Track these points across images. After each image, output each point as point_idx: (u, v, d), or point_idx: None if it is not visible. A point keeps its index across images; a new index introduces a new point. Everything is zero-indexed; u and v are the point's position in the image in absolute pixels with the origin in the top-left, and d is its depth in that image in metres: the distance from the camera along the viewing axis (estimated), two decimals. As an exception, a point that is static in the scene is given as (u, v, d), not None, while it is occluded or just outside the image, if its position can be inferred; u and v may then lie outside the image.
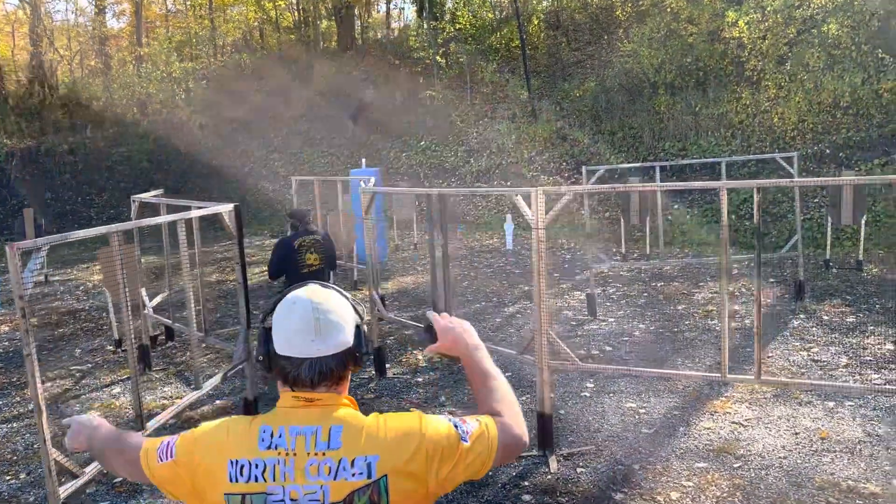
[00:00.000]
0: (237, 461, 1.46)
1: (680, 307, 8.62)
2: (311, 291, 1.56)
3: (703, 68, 16.50)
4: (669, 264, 10.74)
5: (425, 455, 1.47)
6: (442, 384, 6.46)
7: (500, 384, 1.75)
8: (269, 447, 1.46)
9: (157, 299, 7.79)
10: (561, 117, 18.38)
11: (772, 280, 9.62)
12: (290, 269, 6.02)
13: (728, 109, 15.18)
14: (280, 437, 1.46)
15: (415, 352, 7.46)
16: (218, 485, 1.46)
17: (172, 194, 21.38)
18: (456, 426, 1.56)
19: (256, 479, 1.44)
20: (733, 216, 13.47)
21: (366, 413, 1.54)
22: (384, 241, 13.07)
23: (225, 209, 5.24)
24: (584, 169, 8.25)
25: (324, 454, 1.44)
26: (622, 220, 12.03)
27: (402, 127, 21.12)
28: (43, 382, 7.26)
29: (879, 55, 13.54)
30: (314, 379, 1.50)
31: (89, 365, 7.70)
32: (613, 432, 5.20)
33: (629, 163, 15.45)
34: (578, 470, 4.64)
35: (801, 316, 7.90)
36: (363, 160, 13.22)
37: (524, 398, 5.82)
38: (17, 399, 6.82)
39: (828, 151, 13.15)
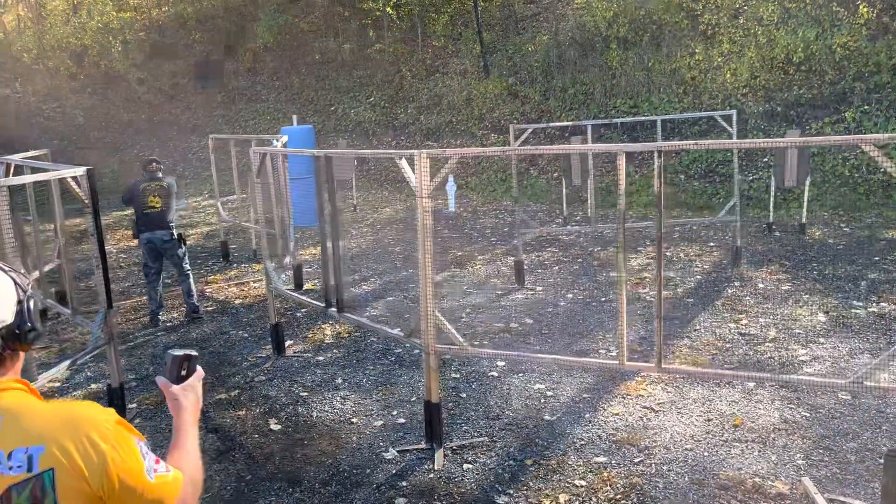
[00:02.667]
0: None
1: (613, 274, 8.18)
2: None
3: (658, 22, 15.89)
4: (609, 228, 10.29)
5: (103, 457, 1.30)
6: (343, 364, 5.96)
7: (190, 458, 1.55)
8: None
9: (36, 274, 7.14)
10: (513, 73, 17.71)
11: (711, 244, 9.22)
12: (137, 206, 7.07)
13: (681, 65, 14.65)
14: None
15: (323, 326, 6.94)
16: None
17: (112, 151, 20.40)
18: (144, 454, 1.37)
19: None
20: (682, 176, 13.05)
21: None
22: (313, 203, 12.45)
23: (74, 173, 4.61)
24: (511, 128, 7.68)
25: None
26: (563, 182, 11.55)
27: (350, 82, 20.29)
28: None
29: (834, 8, 13.06)
30: None
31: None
32: (514, 419, 4.75)
33: (580, 120, 14.93)
34: (465, 466, 4.18)
35: (736, 283, 7.51)
36: (294, 117, 12.49)
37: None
38: None
39: (779, 109, 12.71)
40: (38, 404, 1.37)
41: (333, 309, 5.29)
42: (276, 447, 4.60)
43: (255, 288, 8.43)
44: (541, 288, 7.85)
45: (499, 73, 17.82)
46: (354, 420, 4.89)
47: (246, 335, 6.85)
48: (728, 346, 5.83)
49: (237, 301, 7.97)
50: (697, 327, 6.30)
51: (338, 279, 5.21)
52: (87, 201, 4.70)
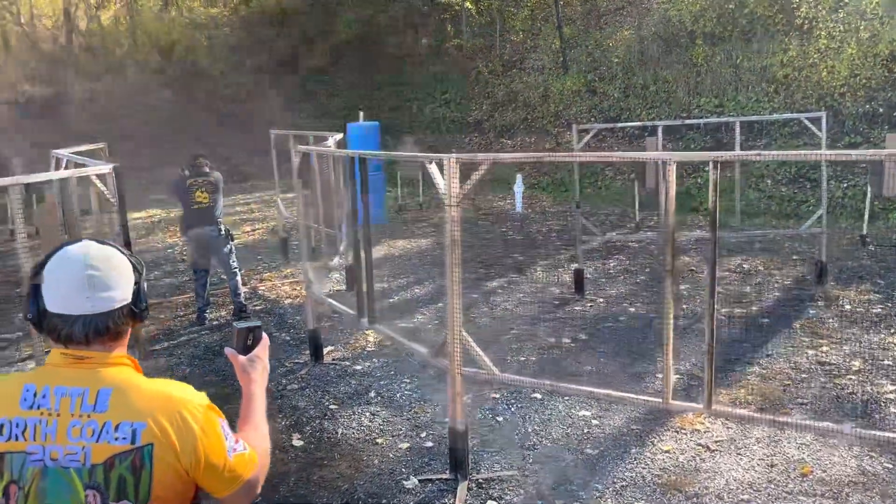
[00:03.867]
0: None
1: (683, 287, 7.58)
2: (85, 247, 1.52)
3: (749, 16, 14.92)
4: (684, 235, 9.62)
5: (197, 439, 1.45)
6: (379, 375, 5.65)
7: (259, 430, 1.71)
8: (31, 406, 1.44)
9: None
10: (592, 69, 17.04)
11: (795, 257, 8.46)
12: (185, 202, 6.96)
13: (773, 62, 13.67)
14: (44, 396, 1.44)
15: (367, 332, 6.66)
16: None
17: (194, 144, 20.91)
18: (226, 435, 1.53)
19: (17, 439, 1.42)
20: (769, 181, 12.17)
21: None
22: (382, 200, 12.25)
23: (100, 170, 4.46)
24: (573, 128, 7.19)
25: (89, 416, 1.42)
26: (636, 185, 10.93)
27: (426, 78, 20.07)
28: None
29: (949, 0, 11.87)
30: (89, 336, 1.48)
31: (19, 334, 7.14)
32: (551, 451, 4.33)
33: (661, 120, 14.19)
34: (488, 503, 3.80)
35: (819, 303, 6.80)
36: (361, 113, 12.30)
37: (465, 396, 4.98)
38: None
39: (881, 110, 11.66)
40: (143, 381, 1.51)
41: (364, 319, 4.99)
42: (294, 466, 4.33)
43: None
44: (602, 300, 7.34)
45: (577, 69, 17.21)
46: (380, 440, 4.58)
47: (288, 338, 6.65)
48: (803, 376, 5.21)
49: (287, 301, 7.80)
50: (770, 352, 5.68)
51: (369, 287, 4.90)
52: (112, 200, 4.55)
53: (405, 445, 4.50)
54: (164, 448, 1.43)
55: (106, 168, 4.49)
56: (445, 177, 3.75)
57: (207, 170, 7.09)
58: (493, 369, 3.84)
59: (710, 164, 3.07)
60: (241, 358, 1.75)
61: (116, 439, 1.41)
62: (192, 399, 1.51)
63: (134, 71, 22.21)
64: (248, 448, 1.57)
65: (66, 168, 6.21)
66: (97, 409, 1.43)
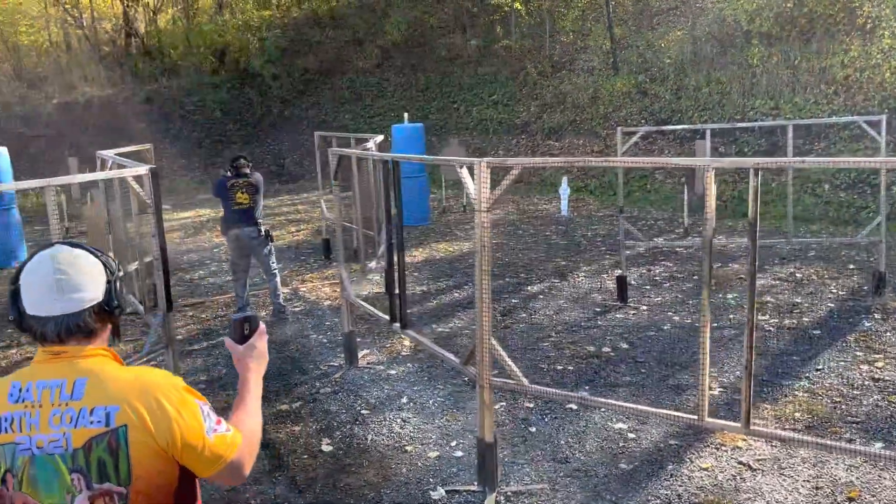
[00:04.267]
0: None
1: (730, 295, 7.33)
2: (55, 252, 1.62)
3: (808, 15, 14.42)
4: (734, 242, 9.32)
5: (171, 419, 1.52)
6: (413, 380, 5.58)
7: (250, 415, 1.75)
8: (17, 401, 1.55)
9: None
10: (643, 70, 16.71)
11: (851, 266, 8.10)
12: (225, 203, 7.00)
13: (832, 63, 13.17)
14: (28, 391, 1.55)
15: (403, 336, 6.60)
16: None
17: (244, 145, 21.23)
18: (205, 416, 1.59)
19: (7, 431, 1.53)
20: (826, 186, 11.72)
21: None
22: (426, 202, 12.21)
23: (136, 172, 4.50)
24: (618, 131, 7.00)
25: (67, 404, 1.52)
26: (686, 190, 10.65)
27: (474, 79, 19.97)
28: (13, 347, 6.96)
29: None
30: (61, 335, 1.57)
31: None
32: (584, 464, 4.19)
33: (713, 122, 13.81)
34: (515, 518, 3.69)
35: (876, 316, 6.47)
36: (405, 115, 12.28)
37: (499, 405, 4.88)
38: (-23, 366, 6.47)
39: (948, 113, 11.10)
40: (118, 369, 1.61)
41: (397, 324, 4.93)
42: (322, 472, 4.29)
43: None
44: (645, 307, 7.14)
45: (628, 70, 16.89)
46: (409, 448, 4.50)
47: (325, 340, 6.64)
48: (856, 393, 4.95)
49: (326, 302, 7.80)
50: (821, 366, 5.42)
51: (402, 292, 4.83)
52: (148, 201, 4.58)
53: (434, 454, 4.42)
54: (138, 429, 1.51)
55: (143, 170, 4.52)
56: (476, 181, 3.65)
57: (248, 171, 7.13)
58: (522, 379, 3.72)
59: (751, 172, 2.90)
60: (238, 347, 1.84)
61: (91, 423, 1.51)
62: (166, 382, 1.59)
63: (188, 72, 22.67)
64: (232, 430, 1.64)
65: (110, 169, 6.31)
66: (74, 397, 1.53)
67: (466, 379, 5.50)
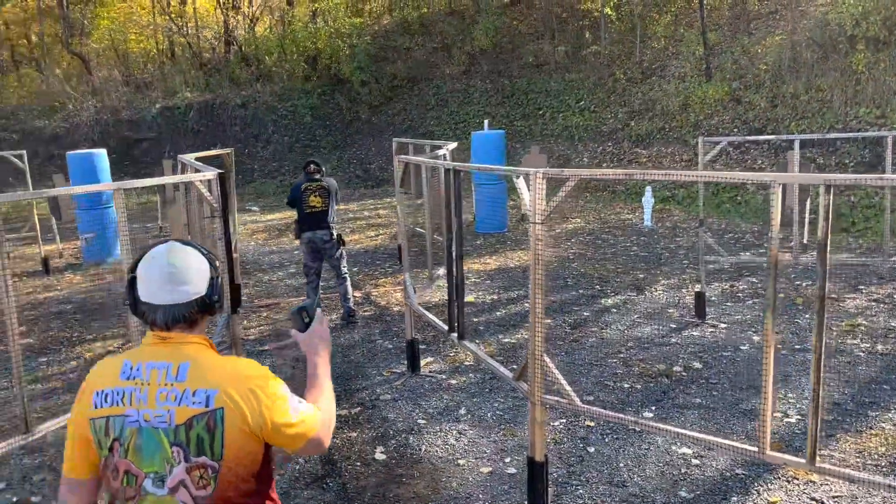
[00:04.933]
0: (102, 391, 1.76)
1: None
2: (170, 247, 1.83)
3: (921, 17, 13.49)
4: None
5: (262, 405, 1.72)
6: (473, 391, 5.49)
7: (323, 394, 1.96)
8: (128, 378, 1.75)
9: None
10: (737, 77, 16.06)
11: (958, 290, 7.48)
12: (299, 207, 7.14)
13: (947, 68, 12.29)
14: (138, 370, 1.75)
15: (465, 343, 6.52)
16: (85, 411, 1.77)
17: (332, 150, 21.72)
18: (289, 399, 1.79)
19: (118, 404, 1.74)
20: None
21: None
22: (503, 209, 12.10)
23: (204, 177, 4.60)
24: (699, 141, 6.70)
25: (172, 385, 1.72)
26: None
27: (561, 85, 19.72)
28: (98, 340, 7.29)
29: None
30: (168, 323, 1.78)
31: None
32: (642, 490, 3.99)
33: (811, 132, 13.11)
34: (563, 542, 3.55)
35: (983, 345, 5.94)
36: (486, 122, 12.20)
37: (558, 422, 4.73)
38: (63, 357, 6.80)
39: None
40: (215, 357, 1.81)
41: (454, 334, 4.85)
42: (373, 481, 4.26)
43: (419, 296, 8.24)
44: (724, 325, 6.80)
45: (721, 77, 16.27)
46: (462, 462, 4.42)
47: (390, 346, 6.64)
48: (951, 429, 4.53)
49: (396, 308, 7.82)
50: (914, 398, 5.00)
51: (460, 301, 4.75)
52: (216, 205, 4.68)
53: (487, 470, 4.32)
54: (233, 413, 1.71)
55: (210, 174, 4.62)
56: (531, 192, 3.53)
57: (319, 175, 7.25)
58: (574, 398, 3.58)
59: (821, 188, 2.68)
60: (301, 335, 2.04)
61: (194, 403, 1.71)
62: (256, 372, 1.79)
63: (281, 78, 23.36)
64: (312, 409, 1.86)
65: (183, 173, 6.51)
66: (178, 379, 1.74)
67: (528, 393, 5.37)
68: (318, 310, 2.06)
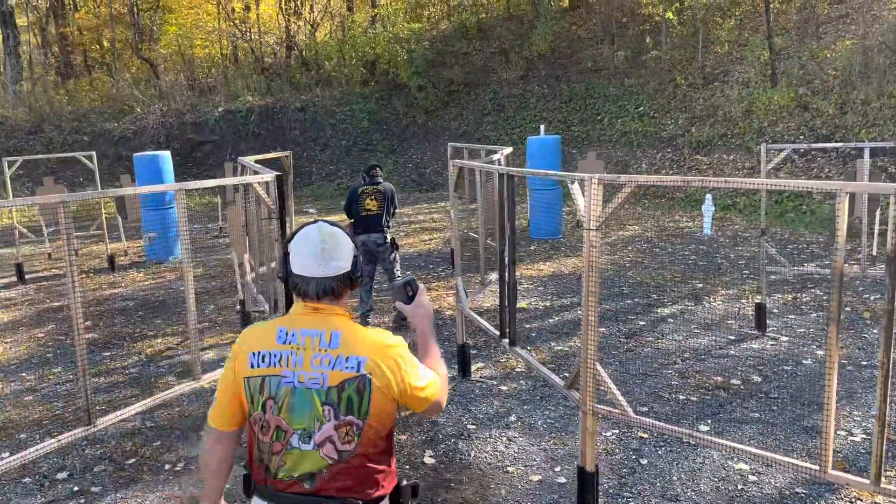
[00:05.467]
0: (259, 352, 1.95)
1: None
2: (320, 227, 2.02)
3: None
4: None
5: (402, 373, 1.95)
6: (524, 398, 5.45)
7: (437, 359, 2.19)
8: (284, 342, 1.94)
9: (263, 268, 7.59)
10: (805, 83, 15.58)
11: None
12: (355, 209, 7.19)
13: None
14: (293, 335, 1.94)
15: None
16: (242, 368, 1.97)
17: (388, 154, 21.89)
18: (419, 367, 2.02)
19: (274, 365, 1.93)
20: None
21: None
22: (558, 215, 11.99)
23: (262, 179, 4.69)
24: (762, 148, 6.51)
25: (326, 351, 1.91)
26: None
27: (620, 91, 19.46)
28: (158, 337, 7.48)
29: None
30: (318, 294, 1.97)
31: (206, 324, 7.76)
32: (695, 505, 3.89)
33: (883, 140, 12.63)
34: (612, 555, 3.47)
35: None
36: (542, 127, 12.12)
37: (610, 432, 4.65)
38: (125, 352, 7.01)
39: None
40: (359, 328, 2.01)
41: (506, 340, 4.82)
42: (421, 485, 4.24)
43: (471, 301, 8.23)
44: (786, 338, 6.59)
45: (787, 83, 15.81)
46: (511, 469, 4.38)
47: (442, 350, 6.61)
48: None
49: (448, 312, 7.82)
50: None
51: (511, 307, 4.72)
52: (273, 207, 4.76)
53: (536, 478, 4.27)
54: (379, 378, 1.92)
55: (268, 176, 4.71)
56: (586, 197, 3.48)
57: (380, 180, 7.31)
58: (626, 408, 3.51)
59: (892, 198, 2.57)
60: (408, 307, 2.23)
61: (346, 368, 1.90)
62: (395, 342, 2.01)
63: (340, 83, 23.68)
64: (433, 375, 2.09)
65: (243, 175, 6.64)
66: (331, 346, 1.93)
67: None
68: (420, 284, 2.25)
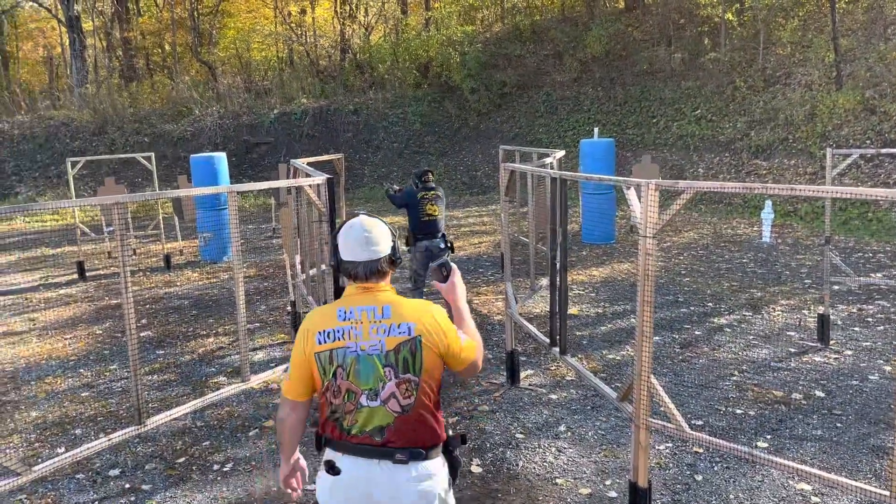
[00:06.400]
0: (324, 331, 2.30)
1: (961, 348, 6.27)
2: (361, 219, 2.40)
3: None
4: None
5: (443, 333, 2.31)
6: (574, 408, 5.32)
7: (472, 327, 2.50)
8: (344, 319, 2.30)
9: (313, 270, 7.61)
10: (872, 85, 15.01)
11: None
12: (414, 214, 7.17)
13: None
14: (351, 313, 2.30)
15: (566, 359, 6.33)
16: (311, 347, 2.31)
17: (439, 156, 21.90)
18: (458, 331, 2.39)
19: (339, 339, 2.28)
20: None
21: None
22: (611, 219, 11.78)
23: (312, 181, 4.68)
24: (828, 153, 6.25)
25: (380, 321, 2.28)
26: (913, 220, 9.35)
27: (676, 94, 19.07)
28: (210, 336, 7.57)
29: None
30: (367, 275, 2.35)
31: (257, 324, 7.82)
32: (753, 526, 3.72)
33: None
34: (665, 576, 3.34)
35: None
36: (595, 130, 11.92)
37: (663, 445, 4.51)
38: (178, 350, 7.11)
39: None
40: (404, 299, 2.37)
41: (556, 349, 4.71)
42: (468, 493, 4.18)
43: (520, 306, 8.11)
44: (850, 351, 6.31)
45: (853, 85, 15.25)
46: (560, 481, 4.27)
47: (490, 356, 6.55)
48: None
49: (497, 317, 7.73)
50: None
51: (562, 315, 4.61)
52: (324, 209, 4.75)
53: (586, 491, 4.15)
54: (428, 339, 2.28)
55: (319, 179, 4.70)
56: (643, 203, 3.36)
57: (433, 185, 7.30)
58: (682, 424, 3.37)
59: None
60: (444, 285, 2.57)
61: (400, 333, 2.27)
62: (437, 310, 2.36)
63: (393, 86, 23.79)
64: (467, 338, 2.42)
65: (295, 177, 6.66)
66: (384, 317, 2.29)
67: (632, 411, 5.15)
68: (453, 265, 2.60)
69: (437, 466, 2.33)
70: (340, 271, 2.41)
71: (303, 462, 2.58)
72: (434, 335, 2.28)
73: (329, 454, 2.34)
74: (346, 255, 2.36)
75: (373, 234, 2.35)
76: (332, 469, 2.31)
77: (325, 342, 2.29)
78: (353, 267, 2.35)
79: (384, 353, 2.26)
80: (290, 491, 2.57)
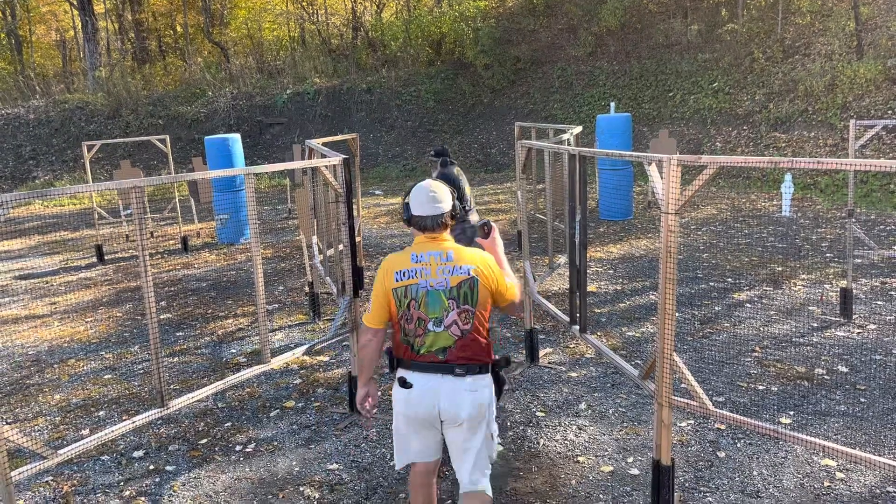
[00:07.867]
0: (401, 270, 2.88)
1: None
2: (428, 182, 3.01)
3: None
4: None
5: (492, 272, 2.92)
6: (594, 386, 5.30)
7: (511, 273, 3.10)
8: (416, 261, 2.89)
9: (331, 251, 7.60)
10: (893, 54, 14.71)
11: None
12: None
13: None
14: (422, 256, 2.89)
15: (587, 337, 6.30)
16: (390, 283, 2.89)
17: (454, 134, 21.76)
18: (504, 274, 3.00)
19: (412, 277, 2.87)
20: None
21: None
22: (628, 195, 11.67)
23: (329, 162, 4.65)
24: (851, 125, 6.12)
25: (445, 263, 2.87)
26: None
27: (693, 66, 18.79)
28: (230, 318, 7.60)
29: None
30: (434, 226, 2.95)
31: (276, 305, 7.84)
32: (777, 503, 3.69)
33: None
34: (689, 553, 3.33)
35: None
36: (612, 104, 11.77)
37: (685, 423, 4.48)
38: (198, 332, 7.15)
39: None
40: (464, 248, 2.97)
41: (576, 327, 4.68)
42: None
43: (538, 284, 8.07)
44: (873, 326, 6.23)
45: (875, 55, 14.96)
46: (581, 459, 4.26)
47: (509, 335, 6.54)
48: None
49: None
50: None
51: (582, 293, 4.57)
52: (340, 190, 4.73)
53: (608, 469, 4.14)
54: (482, 277, 2.87)
55: (336, 160, 4.67)
56: (665, 180, 3.31)
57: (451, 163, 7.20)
58: (705, 401, 3.34)
59: None
60: (486, 240, 3.18)
61: (461, 272, 2.86)
62: (490, 256, 3.01)
63: (406, 63, 23.61)
64: (512, 282, 3.03)
65: (310, 157, 6.63)
66: (448, 260, 2.88)
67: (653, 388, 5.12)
68: (493, 224, 3.19)
69: (486, 381, 2.92)
70: (411, 224, 2.96)
71: (375, 387, 3.12)
72: (487, 276, 2.87)
73: (401, 372, 2.91)
74: (416, 210, 2.94)
75: (437, 193, 2.95)
76: (405, 384, 2.88)
77: (402, 279, 2.86)
78: (422, 220, 2.93)
79: (448, 288, 2.83)
80: (362, 411, 3.11)
